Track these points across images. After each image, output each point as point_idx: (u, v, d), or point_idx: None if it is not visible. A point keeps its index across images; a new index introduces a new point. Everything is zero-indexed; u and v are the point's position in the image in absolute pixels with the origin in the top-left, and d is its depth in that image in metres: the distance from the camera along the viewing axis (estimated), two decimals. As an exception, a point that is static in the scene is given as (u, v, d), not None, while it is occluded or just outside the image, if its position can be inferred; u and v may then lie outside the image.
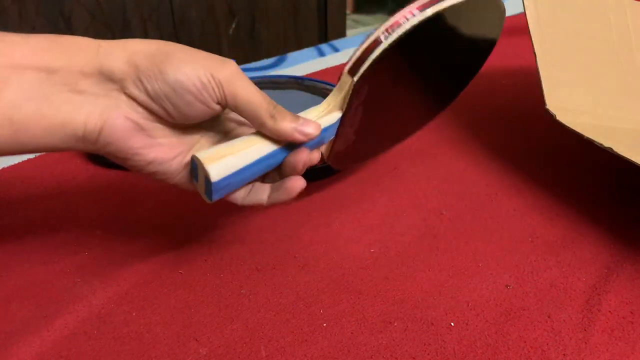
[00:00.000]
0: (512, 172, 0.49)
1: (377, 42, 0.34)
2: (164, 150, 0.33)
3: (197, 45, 0.78)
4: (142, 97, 0.31)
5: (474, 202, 0.46)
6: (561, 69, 0.47)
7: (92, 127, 0.31)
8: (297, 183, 0.35)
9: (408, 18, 0.33)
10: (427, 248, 0.42)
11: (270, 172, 0.36)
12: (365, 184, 0.48)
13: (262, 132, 0.34)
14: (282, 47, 1.15)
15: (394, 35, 0.33)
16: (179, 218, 0.45)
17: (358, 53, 0.34)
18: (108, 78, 0.31)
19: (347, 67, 0.34)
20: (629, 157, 0.37)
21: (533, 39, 0.46)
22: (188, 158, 0.34)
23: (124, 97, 0.31)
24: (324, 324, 0.36)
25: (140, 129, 0.32)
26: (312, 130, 0.34)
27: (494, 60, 0.69)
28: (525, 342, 0.35)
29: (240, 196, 0.36)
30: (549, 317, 0.36)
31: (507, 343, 0.35)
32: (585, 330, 0.35)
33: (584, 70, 0.49)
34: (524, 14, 0.46)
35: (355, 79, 0.34)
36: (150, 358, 0.34)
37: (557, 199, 0.46)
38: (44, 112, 0.30)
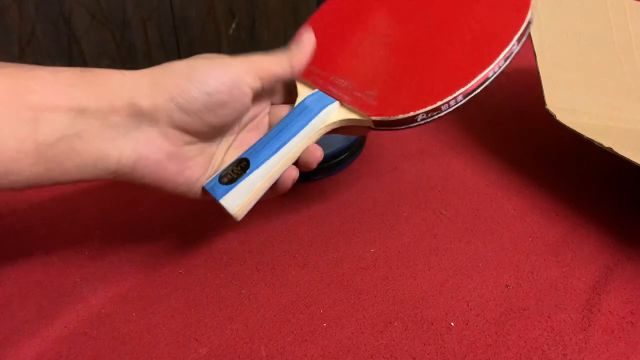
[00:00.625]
0: (512, 172, 0.49)
1: (414, 120, 0.36)
2: (193, 170, 0.35)
3: (197, 45, 0.78)
4: (177, 117, 0.32)
5: (474, 202, 0.46)
6: (561, 69, 0.47)
7: (125, 162, 0.32)
8: (291, 173, 0.37)
9: (451, 105, 0.36)
10: (427, 248, 0.42)
11: None
12: (365, 183, 0.48)
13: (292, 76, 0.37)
14: (282, 47, 1.14)
15: (431, 119, 0.37)
16: (179, 218, 0.45)
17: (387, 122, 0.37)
18: (138, 111, 0.31)
19: (374, 117, 0.36)
20: (629, 157, 0.37)
21: (533, 39, 0.46)
22: (210, 171, 0.36)
23: (155, 130, 0.32)
24: (324, 324, 0.36)
25: (173, 156, 0.33)
26: (308, 38, 0.39)
27: (494, 60, 0.69)
28: (525, 342, 0.35)
29: None
30: (549, 317, 0.36)
31: (507, 343, 0.35)
32: (585, 330, 0.35)
33: (584, 70, 0.49)
34: (524, 14, 0.46)
35: (372, 126, 0.37)
36: (150, 358, 0.34)
37: (557, 199, 0.46)
38: (77, 149, 0.30)
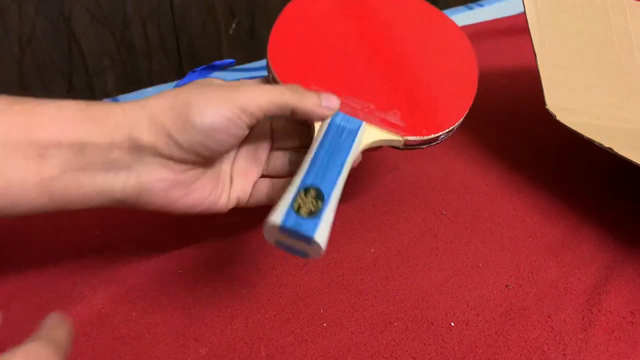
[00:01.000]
0: (512, 172, 0.49)
1: (436, 140, 0.39)
2: (200, 192, 0.35)
3: (197, 45, 0.78)
4: (176, 153, 0.32)
5: (474, 202, 0.46)
6: (561, 69, 0.47)
7: (130, 192, 0.33)
8: None
9: (457, 125, 0.40)
10: (427, 248, 0.42)
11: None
12: (365, 183, 0.48)
13: (294, 117, 0.35)
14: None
15: (445, 138, 0.40)
16: (179, 218, 0.45)
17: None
18: (139, 146, 0.32)
19: (408, 137, 0.37)
20: (629, 157, 0.37)
21: (533, 39, 0.46)
22: (220, 187, 0.36)
23: (157, 160, 0.32)
24: (324, 324, 0.36)
25: (177, 183, 0.34)
26: (335, 103, 0.36)
27: (494, 60, 0.69)
28: (525, 342, 0.35)
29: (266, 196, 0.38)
30: (549, 317, 0.36)
31: (507, 343, 0.34)
32: (585, 330, 0.35)
33: (584, 70, 0.49)
34: (524, 14, 0.46)
35: (401, 146, 0.38)
36: (150, 358, 0.34)
37: (557, 199, 0.46)
38: (81, 182, 0.31)
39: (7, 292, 0.38)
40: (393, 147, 0.38)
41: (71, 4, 0.67)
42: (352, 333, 0.35)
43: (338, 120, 0.36)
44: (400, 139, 0.37)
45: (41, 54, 0.68)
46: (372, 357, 0.34)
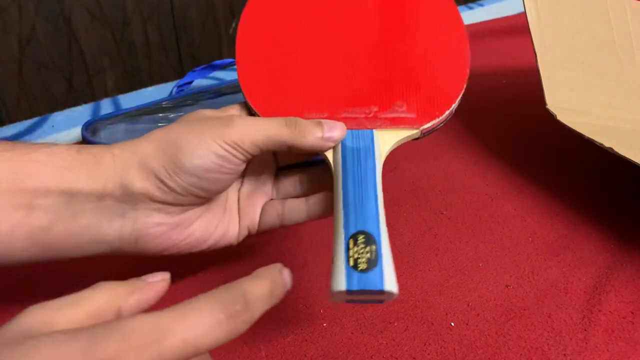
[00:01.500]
0: (512, 172, 0.49)
1: (451, 114, 0.36)
2: (205, 229, 0.34)
3: (197, 45, 0.78)
4: (170, 197, 0.31)
5: (474, 202, 0.46)
6: (561, 69, 0.47)
7: (127, 240, 0.31)
8: None
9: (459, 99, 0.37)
10: (427, 248, 0.42)
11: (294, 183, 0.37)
12: (365, 183, 0.48)
13: (293, 151, 0.33)
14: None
15: (453, 114, 0.37)
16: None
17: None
18: (131, 193, 0.30)
19: (425, 126, 0.35)
20: (629, 157, 0.37)
21: (533, 39, 0.46)
22: (227, 219, 0.35)
23: (151, 206, 0.31)
24: (324, 324, 0.36)
25: (176, 225, 0.32)
26: (339, 133, 0.33)
27: (494, 60, 0.69)
28: (525, 342, 0.35)
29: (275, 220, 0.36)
30: (549, 317, 0.36)
31: (507, 343, 0.34)
32: (585, 330, 0.35)
33: (584, 70, 0.49)
34: (524, 14, 0.46)
35: (419, 136, 0.36)
36: (150, 358, 0.34)
37: (557, 199, 0.46)
38: (73, 231, 0.30)
39: (7, 292, 0.38)
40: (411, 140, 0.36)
41: (71, 3, 0.67)
42: (352, 333, 0.35)
43: (348, 142, 0.33)
44: (417, 131, 0.35)
45: (41, 54, 0.68)
46: (372, 357, 0.34)
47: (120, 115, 0.52)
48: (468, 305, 0.37)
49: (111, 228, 0.31)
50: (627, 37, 0.52)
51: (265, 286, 0.25)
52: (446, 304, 0.37)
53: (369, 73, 0.37)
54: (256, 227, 0.36)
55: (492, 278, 0.39)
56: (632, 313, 0.36)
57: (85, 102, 0.63)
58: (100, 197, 0.30)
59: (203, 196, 0.32)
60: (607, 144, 0.38)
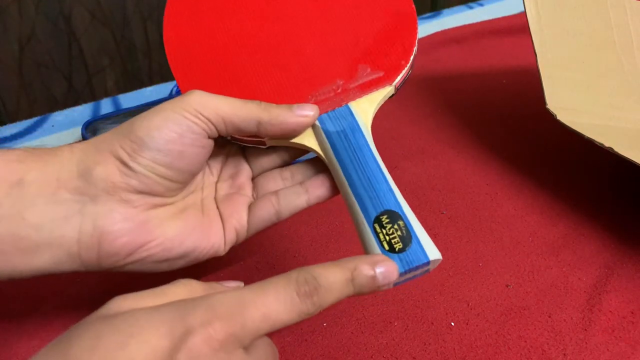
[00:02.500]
0: (512, 172, 0.49)
1: (414, 59, 0.35)
2: (176, 231, 0.29)
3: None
4: (134, 181, 0.27)
5: (474, 202, 0.46)
6: (562, 69, 0.47)
7: (87, 242, 0.27)
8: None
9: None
10: (427, 248, 0.42)
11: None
12: (365, 183, 0.48)
13: (262, 133, 0.30)
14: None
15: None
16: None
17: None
18: (90, 182, 0.27)
19: (396, 80, 0.34)
20: (629, 157, 0.37)
21: (533, 38, 0.46)
22: (207, 224, 0.31)
23: (114, 197, 0.27)
24: (324, 324, 0.36)
25: (143, 223, 0.28)
26: (311, 111, 0.31)
27: (494, 60, 0.69)
28: (525, 341, 0.35)
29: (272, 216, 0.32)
30: (549, 316, 0.36)
31: (507, 343, 0.34)
32: (585, 330, 0.35)
33: (585, 69, 0.49)
34: (524, 13, 0.46)
35: (393, 92, 0.34)
36: (150, 358, 0.34)
37: (557, 198, 0.46)
38: (20, 234, 0.26)
39: (6, 292, 0.38)
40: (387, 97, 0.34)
41: (71, 3, 0.67)
42: (352, 333, 0.35)
43: (330, 127, 0.32)
44: (391, 88, 0.33)
45: (41, 53, 0.68)
46: (372, 357, 0.34)
47: (120, 115, 0.52)
48: (468, 305, 0.37)
49: (68, 227, 0.27)
50: (627, 37, 0.52)
51: (339, 273, 0.25)
52: (446, 303, 0.37)
53: (318, 49, 0.35)
54: (245, 226, 0.32)
55: (492, 278, 0.39)
56: (632, 313, 0.36)
57: (85, 101, 0.64)
58: (53, 190, 0.27)
59: (170, 177, 0.28)
60: (607, 144, 0.38)
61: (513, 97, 0.61)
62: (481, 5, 0.84)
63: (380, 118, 0.57)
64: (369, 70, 0.34)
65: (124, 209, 0.28)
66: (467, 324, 0.36)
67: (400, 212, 0.28)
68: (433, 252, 0.28)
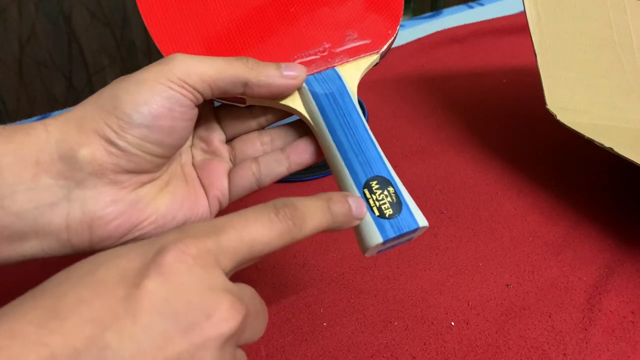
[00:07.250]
0: (512, 172, 0.49)
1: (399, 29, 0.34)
2: (167, 206, 0.29)
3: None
4: (123, 160, 0.26)
5: (474, 202, 0.46)
6: (562, 69, 0.47)
7: (77, 228, 0.26)
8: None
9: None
10: (427, 247, 0.42)
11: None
12: (365, 183, 0.48)
13: (248, 94, 0.29)
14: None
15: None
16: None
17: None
18: (75, 165, 0.25)
19: (382, 49, 0.33)
20: (629, 157, 0.37)
21: (533, 38, 0.46)
22: (193, 193, 0.30)
23: (101, 180, 0.26)
24: (324, 324, 0.36)
25: (134, 203, 0.27)
26: (299, 71, 0.30)
27: (495, 60, 0.69)
28: (525, 341, 0.35)
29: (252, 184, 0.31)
30: (549, 316, 0.36)
31: (507, 342, 0.34)
32: (586, 329, 0.35)
33: (585, 69, 0.49)
34: (524, 13, 0.46)
35: (377, 61, 0.33)
36: (150, 357, 0.34)
37: (557, 198, 0.46)
38: (2, 223, 0.24)
39: (5, 290, 0.38)
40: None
41: (71, 2, 0.67)
42: (352, 333, 0.35)
43: (318, 89, 0.31)
44: (377, 56, 0.33)
45: (41, 53, 0.68)
46: (372, 357, 0.34)
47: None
48: (468, 304, 0.37)
49: (55, 215, 0.25)
50: (627, 37, 0.52)
51: (315, 200, 0.25)
52: (446, 303, 0.37)
53: (304, 8, 0.35)
54: (227, 195, 0.31)
55: (493, 277, 0.39)
56: (632, 313, 0.36)
57: (85, 101, 0.63)
58: (33, 174, 0.25)
59: (160, 154, 0.27)
60: (607, 144, 0.38)
61: (513, 97, 0.61)
62: (481, 4, 0.84)
63: (380, 118, 0.57)
64: (356, 36, 0.34)
65: (113, 190, 0.26)
66: (467, 324, 0.36)
67: (390, 179, 0.29)
68: (422, 220, 0.28)
